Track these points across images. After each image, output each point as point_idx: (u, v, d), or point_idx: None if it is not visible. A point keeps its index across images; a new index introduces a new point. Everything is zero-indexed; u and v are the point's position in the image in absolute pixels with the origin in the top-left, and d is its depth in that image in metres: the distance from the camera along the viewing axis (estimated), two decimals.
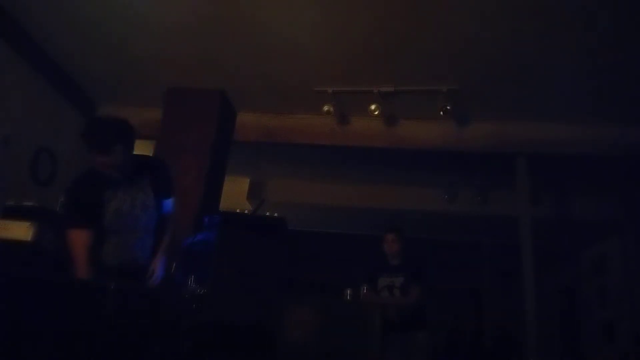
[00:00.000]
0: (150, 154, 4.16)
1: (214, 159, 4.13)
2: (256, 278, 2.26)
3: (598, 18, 3.15)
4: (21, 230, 2.71)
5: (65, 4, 3.46)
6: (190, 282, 2.06)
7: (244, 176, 6.08)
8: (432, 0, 3.15)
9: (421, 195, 5.87)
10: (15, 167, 3.83)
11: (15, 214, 3.04)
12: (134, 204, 2.34)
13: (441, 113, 3.99)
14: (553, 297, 7.45)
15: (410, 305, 3.53)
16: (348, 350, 2.92)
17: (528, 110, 4.21)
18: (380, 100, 4.06)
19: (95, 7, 3.47)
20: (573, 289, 7.05)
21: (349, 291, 3.46)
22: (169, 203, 2.46)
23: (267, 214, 2.95)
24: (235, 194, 5.73)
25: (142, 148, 4.72)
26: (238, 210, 2.64)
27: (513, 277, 4.58)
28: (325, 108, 4.11)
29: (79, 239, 2.23)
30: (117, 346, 1.61)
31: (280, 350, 2.48)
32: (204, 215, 2.44)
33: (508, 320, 6.96)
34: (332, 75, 4.04)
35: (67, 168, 4.35)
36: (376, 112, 4.06)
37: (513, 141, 4.38)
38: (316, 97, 4.17)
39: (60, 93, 4.31)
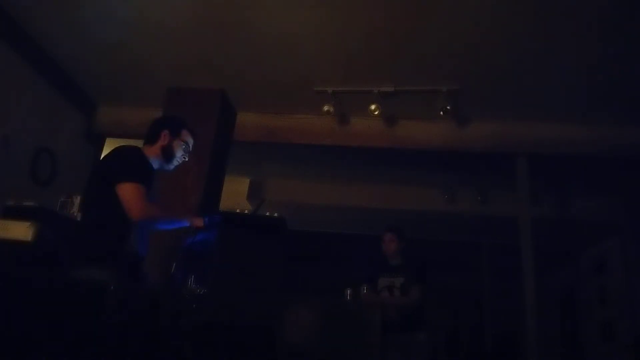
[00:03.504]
0: None
1: (214, 159, 4.13)
2: (256, 278, 2.26)
3: (598, 18, 3.15)
4: (21, 230, 2.70)
5: (65, 4, 3.47)
6: (190, 282, 2.06)
7: (244, 176, 6.08)
8: (432, 1, 3.16)
9: (421, 195, 5.86)
10: (15, 167, 3.83)
11: (15, 214, 3.03)
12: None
13: (441, 113, 3.99)
14: (553, 297, 7.45)
15: (411, 305, 3.53)
16: (348, 350, 2.91)
17: (528, 110, 4.21)
18: (380, 100, 4.06)
19: (95, 8, 3.48)
20: (573, 289, 7.05)
21: (349, 291, 3.46)
22: None
23: (267, 214, 2.95)
24: (235, 194, 5.73)
25: None
26: (238, 210, 2.63)
27: (513, 277, 4.58)
28: (325, 108, 4.10)
29: (140, 192, 2.11)
30: (117, 346, 1.61)
31: (280, 350, 2.48)
32: (204, 215, 2.43)
33: (508, 320, 6.96)
34: (332, 75, 4.04)
35: (67, 168, 4.36)
36: (376, 112, 4.06)
37: (513, 141, 4.38)
38: (316, 97, 4.17)
39: (60, 93, 4.31)
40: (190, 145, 2.49)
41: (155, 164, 2.39)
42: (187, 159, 2.49)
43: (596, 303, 6.25)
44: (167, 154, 2.39)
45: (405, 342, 3.47)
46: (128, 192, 2.10)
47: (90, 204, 2.28)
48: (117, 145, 2.33)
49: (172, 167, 2.45)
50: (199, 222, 2.36)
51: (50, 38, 3.86)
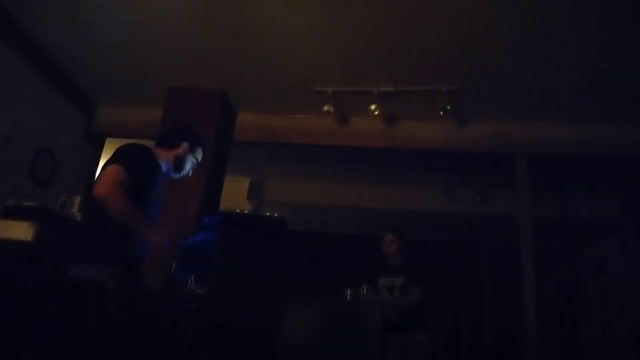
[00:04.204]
0: None
1: (214, 159, 4.13)
2: (256, 278, 2.26)
3: (598, 18, 3.15)
4: (21, 230, 2.70)
5: (66, 4, 3.47)
6: (190, 282, 2.06)
7: (244, 176, 6.08)
8: (432, 1, 3.16)
9: (421, 195, 5.87)
10: (15, 167, 3.83)
11: (15, 214, 3.03)
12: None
13: (441, 113, 3.99)
14: (553, 297, 7.46)
15: (410, 305, 3.53)
16: (348, 350, 2.92)
17: (528, 110, 4.21)
18: (380, 100, 4.06)
19: (95, 7, 3.48)
20: (573, 289, 7.05)
21: (349, 291, 3.46)
22: None
23: (267, 214, 2.95)
24: (235, 194, 5.73)
25: None
26: (238, 210, 2.64)
27: (513, 277, 4.59)
28: (325, 108, 4.10)
29: (118, 174, 2.08)
30: (117, 346, 1.61)
31: (280, 350, 2.48)
32: (204, 215, 2.44)
33: (508, 320, 6.96)
34: (332, 75, 4.04)
35: (67, 168, 4.36)
36: (376, 112, 4.06)
37: (513, 141, 4.38)
38: (316, 97, 4.17)
39: (60, 93, 4.31)
40: (198, 164, 2.56)
41: (163, 167, 2.42)
42: (190, 175, 2.54)
43: (596, 303, 6.25)
44: (179, 165, 2.44)
45: (405, 342, 3.47)
46: (106, 171, 2.12)
47: (91, 203, 2.28)
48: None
49: (176, 176, 2.50)
50: (156, 238, 2.18)
51: (50, 38, 3.86)
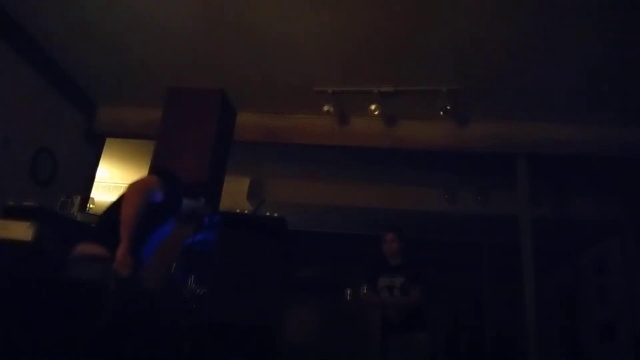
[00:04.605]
0: (150, 155, 4.17)
1: (214, 159, 4.12)
2: (256, 278, 2.26)
3: (598, 18, 3.15)
4: (21, 230, 2.70)
5: (66, 3, 3.47)
6: (190, 282, 2.06)
7: (244, 176, 6.08)
8: (432, 1, 3.16)
9: (421, 195, 5.86)
10: (15, 167, 3.83)
11: (15, 214, 3.03)
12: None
13: (441, 113, 3.99)
14: (553, 297, 7.45)
15: (410, 305, 3.53)
16: (348, 350, 2.92)
17: (528, 110, 4.21)
18: (380, 100, 4.06)
19: (95, 7, 3.48)
20: (573, 289, 7.05)
21: (349, 291, 3.46)
22: None
23: (267, 214, 2.95)
24: (235, 194, 5.73)
25: (143, 148, 4.72)
26: (238, 210, 2.64)
27: (513, 277, 4.58)
28: (325, 108, 4.10)
29: (154, 182, 2.25)
30: (117, 346, 1.61)
31: (280, 350, 2.48)
32: (204, 215, 2.44)
33: (508, 321, 6.96)
34: (332, 75, 4.03)
35: (67, 168, 4.36)
36: (376, 112, 4.06)
37: (513, 141, 4.38)
38: (316, 97, 4.17)
39: (60, 93, 4.31)
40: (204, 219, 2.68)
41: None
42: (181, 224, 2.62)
43: (596, 303, 6.24)
44: (190, 214, 2.56)
45: (405, 342, 3.46)
46: (145, 176, 2.30)
47: (108, 207, 2.32)
48: None
49: (182, 223, 2.56)
50: (121, 266, 2.02)
51: (50, 38, 3.86)
